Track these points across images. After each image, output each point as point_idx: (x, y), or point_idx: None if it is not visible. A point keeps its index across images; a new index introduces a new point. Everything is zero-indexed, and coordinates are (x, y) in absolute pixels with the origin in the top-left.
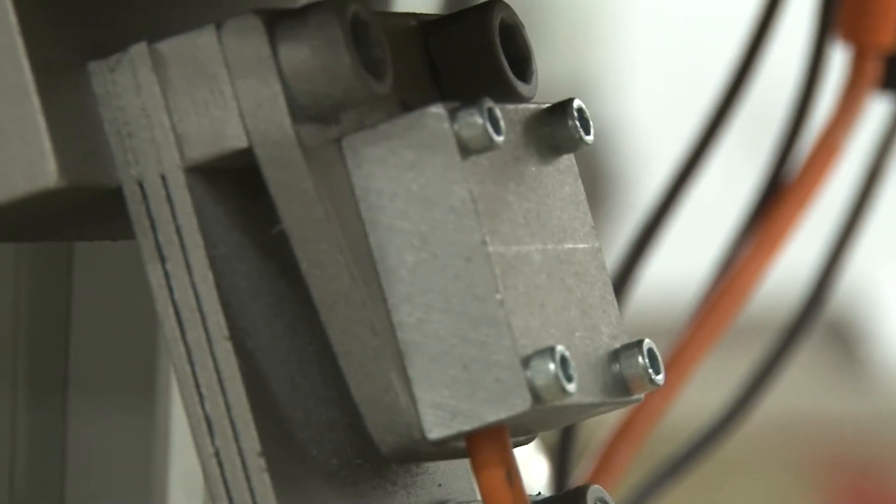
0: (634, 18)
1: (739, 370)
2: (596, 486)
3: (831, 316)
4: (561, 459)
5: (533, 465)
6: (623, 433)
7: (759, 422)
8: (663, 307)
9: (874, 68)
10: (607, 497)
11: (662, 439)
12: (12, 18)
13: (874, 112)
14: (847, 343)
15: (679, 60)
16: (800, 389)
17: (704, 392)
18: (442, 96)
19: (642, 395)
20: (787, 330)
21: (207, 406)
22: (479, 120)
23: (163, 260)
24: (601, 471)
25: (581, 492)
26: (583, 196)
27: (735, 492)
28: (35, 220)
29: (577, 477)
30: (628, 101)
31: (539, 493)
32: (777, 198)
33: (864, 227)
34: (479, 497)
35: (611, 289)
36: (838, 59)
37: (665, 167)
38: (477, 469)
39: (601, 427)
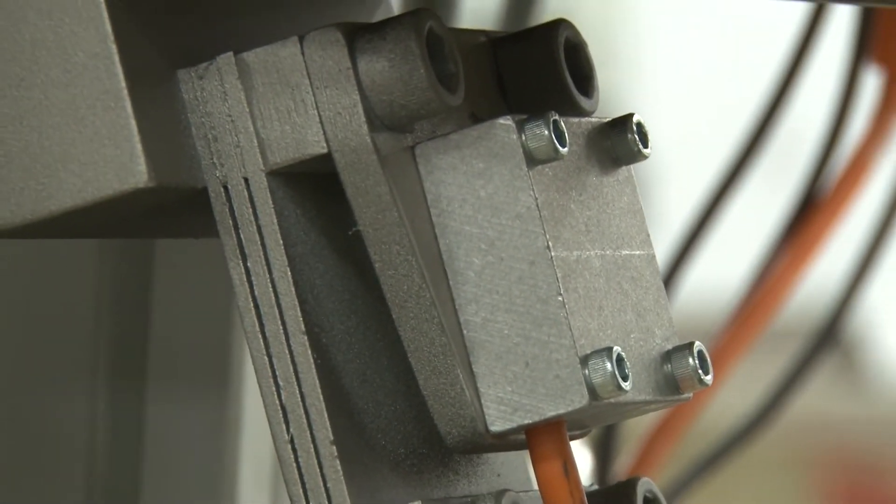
0: (657, 45)
1: (771, 373)
2: (646, 478)
3: (823, 318)
4: (603, 452)
5: (577, 458)
6: (663, 430)
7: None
8: (700, 313)
9: None
10: (656, 489)
11: (697, 436)
12: (107, 28)
13: None
14: (846, 349)
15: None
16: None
17: (738, 393)
18: (509, 109)
19: (691, 394)
20: (816, 337)
21: (283, 396)
22: (545, 132)
23: (244, 258)
24: (642, 464)
25: (631, 484)
26: (640, 205)
27: (736, 490)
28: (123, 218)
29: (617, 469)
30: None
31: (593, 484)
32: (810, 213)
33: (891, 242)
34: (535, 487)
35: (664, 293)
36: (871, 83)
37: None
38: (535, 461)
39: (641, 423)
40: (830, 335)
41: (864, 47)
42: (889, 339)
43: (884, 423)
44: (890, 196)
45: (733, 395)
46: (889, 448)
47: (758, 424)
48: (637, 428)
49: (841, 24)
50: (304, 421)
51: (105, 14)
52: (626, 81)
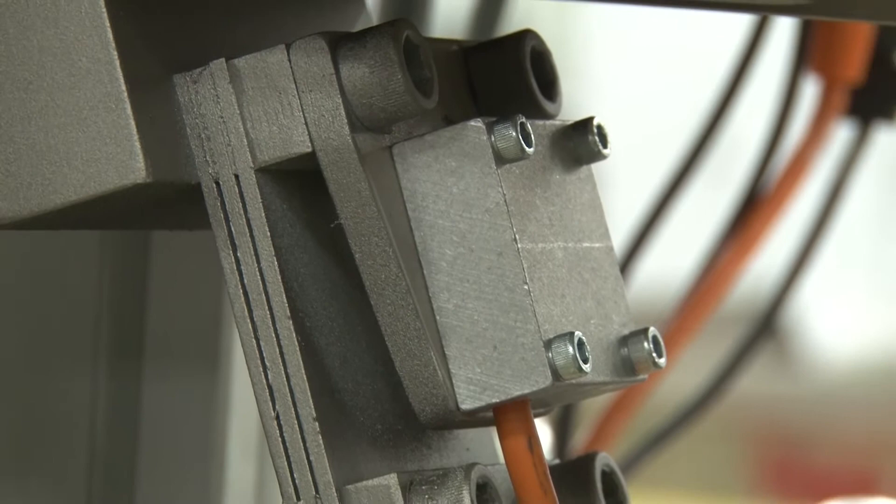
0: (608, 57)
1: (716, 356)
2: (603, 453)
3: (762, 305)
4: (563, 429)
5: (540, 434)
6: (618, 407)
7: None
8: (653, 301)
9: (841, 98)
10: (612, 463)
11: (649, 413)
12: (109, 36)
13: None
14: (781, 335)
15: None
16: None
17: (686, 373)
18: (479, 112)
19: (646, 376)
20: (756, 323)
21: (270, 376)
22: (513, 133)
23: (234, 248)
24: (597, 440)
25: (590, 458)
26: (599, 201)
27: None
28: (122, 211)
29: (575, 444)
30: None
31: (554, 458)
32: (752, 210)
33: (828, 236)
34: (502, 461)
35: (621, 282)
36: (810, 90)
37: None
38: (502, 436)
39: (597, 401)
40: (769, 322)
41: (803, 57)
42: (819, 328)
43: (812, 402)
44: (826, 196)
45: (682, 375)
46: (816, 424)
47: (704, 402)
48: (594, 406)
49: (782, 35)
50: (289, 399)
51: (107, 23)
52: (580, 90)
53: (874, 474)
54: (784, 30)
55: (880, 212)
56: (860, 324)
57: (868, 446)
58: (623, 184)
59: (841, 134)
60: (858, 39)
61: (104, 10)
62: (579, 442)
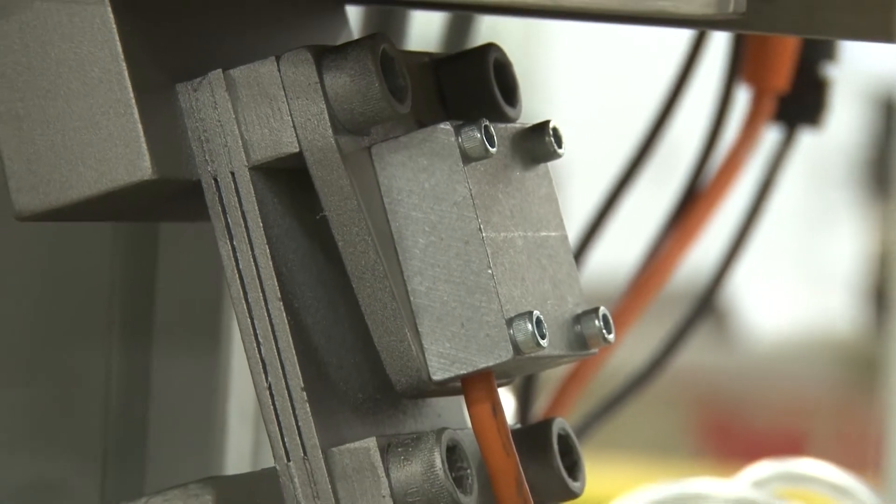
0: (566, 68)
1: (660, 331)
2: (560, 419)
3: (701, 286)
4: (524, 397)
5: (503, 402)
6: (573, 378)
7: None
8: (603, 284)
9: (770, 105)
10: (568, 427)
11: (600, 383)
12: (118, 49)
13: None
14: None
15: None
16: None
17: (633, 347)
18: (448, 116)
19: (597, 350)
20: (696, 303)
21: (263, 350)
22: (478, 135)
23: (231, 238)
24: (555, 406)
25: (548, 423)
26: (555, 196)
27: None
28: (131, 204)
29: (536, 411)
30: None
31: (516, 423)
32: (692, 204)
33: (758, 227)
34: (470, 426)
35: (575, 267)
36: (742, 98)
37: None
38: (469, 404)
39: (554, 373)
40: (707, 302)
41: (736, 69)
42: (751, 307)
43: (746, 372)
44: (756, 191)
45: (629, 349)
46: (749, 391)
47: (650, 373)
48: (552, 376)
49: (717, 49)
50: (280, 371)
51: (116, 38)
52: (540, 96)
53: (801, 434)
54: (719, 44)
55: (805, 206)
56: (787, 303)
57: (795, 410)
58: (577, 180)
59: (769, 137)
60: (785, 52)
61: (114, 26)
62: (539, 409)
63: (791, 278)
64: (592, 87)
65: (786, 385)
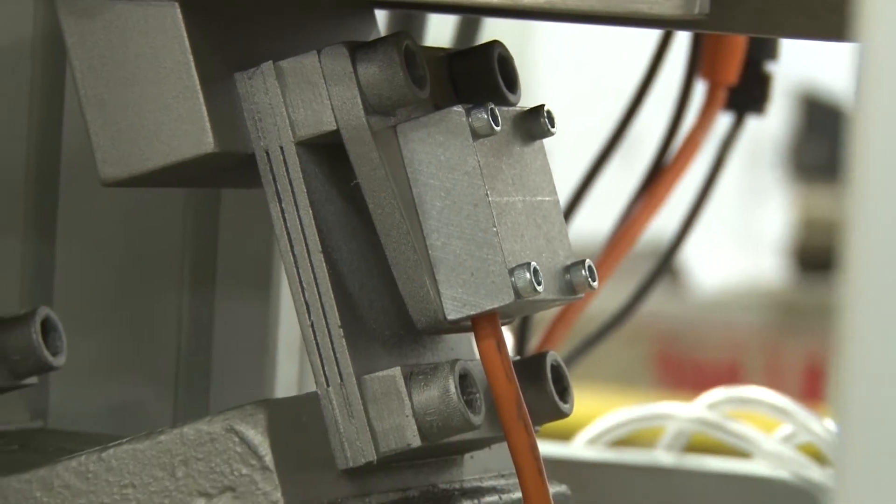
0: (553, 64)
1: (631, 282)
2: (552, 352)
3: (662, 248)
4: (521, 334)
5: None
6: (560, 319)
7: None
8: (587, 241)
9: (722, 96)
10: (559, 359)
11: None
12: (186, 44)
13: (720, 123)
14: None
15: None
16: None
17: (609, 294)
18: (460, 101)
19: (583, 295)
20: (659, 260)
21: (307, 295)
22: (485, 116)
23: (280, 201)
24: (546, 342)
25: (542, 356)
26: (549, 167)
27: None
28: (197, 173)
29: (530, 346)
30: None
31: (516, 356)
32: (657, 178)
33: (712, 196)
34: (478, 357)
35: (565, 226)
36: (700, 90)
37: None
38: (478, 339)
39: (545, 314)
40: (667, 259)
41: (695, 66)
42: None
43: (693, 316)
44: (709, 169)
45: (602, 297)
46: (696, 332)
47: (623, 317)
48: (542, 318)
49: (679, 50)
50: (321, 312)
51: (185, 34)
52: (532, 87)
53: (737, 366)
54: (681, 46)
55: (742, 184)
56: (727, 262)
57: (733, 347)
58: (559, 156)
59: (721, 122)
60: (735, 51)
61: (183, 25)
62: (532, 344)
63: (731, 242)
64: (575, 78)
65: (726, 327)
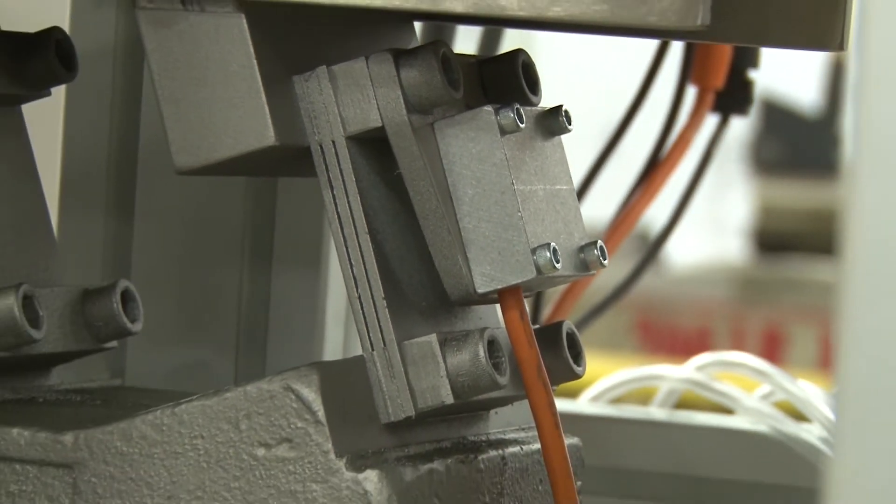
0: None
1: (630, 260)
2: (567, 321)
3: (644, 231)
4: (535, 305)
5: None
6: (569, 293)
7: (599, 286)
8: (596, 224)
9: (710, 99)
10: (573, 328)
11: (588, 296)
12: (251, 50)
13: (708, 123)
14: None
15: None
16: (622, 269)
17: (611, 271)
18: (489, 101)
19: (596, 272)
20: (655, 242)
21: (354, 270)
22: (511, 114)
23: (332, 188)
24: (558, 312)
25: (559, 325)
26: (566, 159)
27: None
28: (259, 163)
29: (544, 315)
30: None
31: (535, 324)
32: (656, 168)
33: (700, 188)
34: (503, 326)
35: (580, 211)
36: (691, 93)
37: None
38: (504, 310)
39: (557, 288)
40: (661, 241)
41: (687, 72)
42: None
43: (670, 289)
44: (698, 164)
45: (608, 272)
46: (672, 303)
47: (623, 290)
48: (555, 290)
49: (674, 59)
50: (367, 285)
51: (250, 42)
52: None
53: (706, 332)
54: (675, 55)
55: (711, 176)
56: (698, 243)
57: (703, 316)
58: (576, 150)
59: (709, 122)
60: (722, 60)
61: (248, 33)
62: (545, 313)
63: (700, 226)
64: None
65: (696, 299)
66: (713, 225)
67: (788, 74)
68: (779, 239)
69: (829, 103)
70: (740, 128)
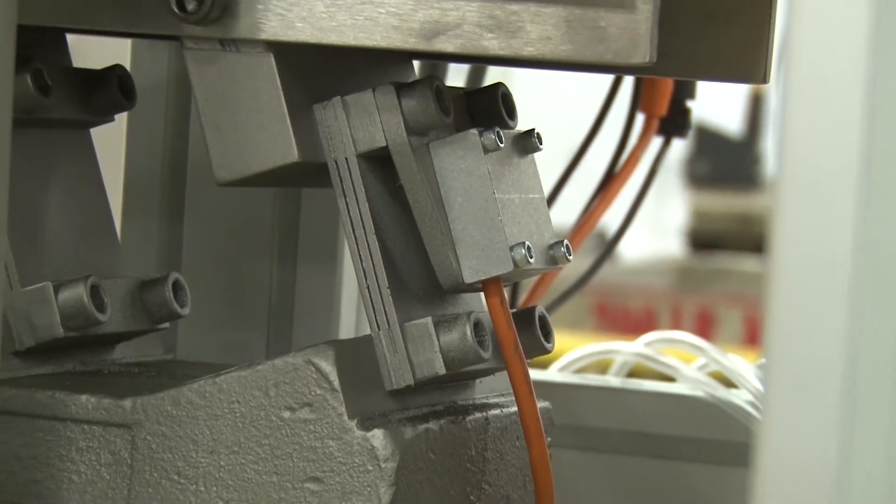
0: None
1: (589, 256)
2: (539, 306)
3: (601, 231)
4: (513, 292)
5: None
6: (540, 283)
7: (565, 277)
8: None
9: (655, 124)
10: (545, 312)
11: (556, 285)
12: (278, 83)
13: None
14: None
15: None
16: (584, 262)
17: (576, 265)
18: (474, 125)
19: (562, 265)
20: (610, 241)
21: (363, 265)
22: (493, 136)
23: (345, 197)
24: (531, 298)
25: (533, 309)
26: (538, 173)
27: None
28: (284, 175)
29: (520, 300)
30: None
31: (514, 309)
32: (611, 181)
33: (647, 197)
34: (486, 310)
35: (549, 216)
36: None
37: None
38: (486, 297)
39: (530, 279)
40: (616, 239)
41: (637, 101)
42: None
43: (621, 278)
44: (645, 178)
45: (572, 265)
46: (623, 289)
47: (584, 279)
48: (529, 281)
49: (626, 89)
50: (374, 276)
51: (277, 77)
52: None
53: (651, 314)
54: (626, 88)
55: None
56: (644, 240)
57: (649, 301)
58: (546, 166)
59: (654, 144)
60: (665, 92)
61: (276, 70)
62: (520, 299)
63: (646, 227)
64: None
65: (643, 286)
66: (656, 227)
67: (716, 103)
68: (709, 238)
69: (749, 128)
70: (678, 148)
